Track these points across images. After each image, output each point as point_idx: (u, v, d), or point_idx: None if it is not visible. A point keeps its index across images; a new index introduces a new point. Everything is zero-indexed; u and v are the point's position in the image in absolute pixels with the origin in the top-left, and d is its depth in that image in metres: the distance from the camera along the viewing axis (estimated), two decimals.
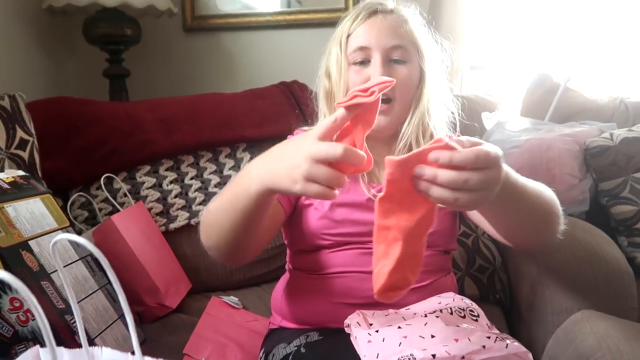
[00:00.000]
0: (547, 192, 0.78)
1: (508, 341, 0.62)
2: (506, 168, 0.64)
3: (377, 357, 0.65)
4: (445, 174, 0.55)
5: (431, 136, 0.94)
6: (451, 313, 0.72)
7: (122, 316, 0.94)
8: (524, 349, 0.62)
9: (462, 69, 1.76)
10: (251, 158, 1.40)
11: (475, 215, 0.91)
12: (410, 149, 0.91)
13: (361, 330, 0.71)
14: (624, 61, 1.76)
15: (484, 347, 0.59)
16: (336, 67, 0.94)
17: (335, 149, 0.58)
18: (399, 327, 0.69)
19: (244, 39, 1.96)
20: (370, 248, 0.89)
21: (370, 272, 0.86)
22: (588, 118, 1.47)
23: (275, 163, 0.65)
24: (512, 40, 1.84)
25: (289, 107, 1.45)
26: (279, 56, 1.92)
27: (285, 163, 0.62)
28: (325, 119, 0.64)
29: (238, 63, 1.98)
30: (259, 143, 1.43)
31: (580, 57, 1.77)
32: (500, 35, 1.84)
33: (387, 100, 0.90)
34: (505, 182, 0.63)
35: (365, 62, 0.92)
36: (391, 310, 0.79)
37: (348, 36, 0.94)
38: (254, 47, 1.96)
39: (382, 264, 0.61)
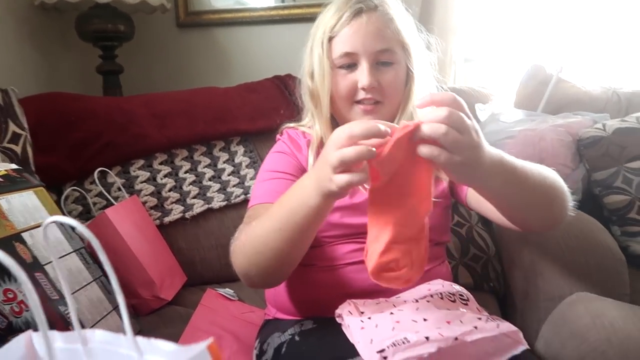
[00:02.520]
0: (549, 173, 0.78)
1: (498, 321, 0.63)
2: (499, 151, 0.66)
3: (370, 343, 0.65)
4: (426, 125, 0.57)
5: None
6: (441, 298, 0.72)
7: (116, 307, 0.94)
8: (514, 328, 0.63)
9: (455, 62, 1.76)
10: (245, 151, 1.40)
11: (479, 203, 0.88)
12: None
13: (353, 318, 0.71)
14: (616, 52, 1.77)
15: (475, 327, 0.59)
16: (319, 69, 0.91)
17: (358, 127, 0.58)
18: (391, 313, 0.69)
19: (238, 34, 1.96)
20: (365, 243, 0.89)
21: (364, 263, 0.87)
22: (581, 109, 1.47)
23: (318, 168, 0.64)
24: (505, 32, 1.84)
25: (282, 100, 1.45)
26: (273, 51, 1.92)
27: (321, 163, 0.62)
28: (365, 123, 0.60)
29: (231, 58, 1.98)
30: (252, 136, 1.44)
31: (573, 48, 1.78)
32: (493, 27, 1.85)
33: (375, 102, 0.90)
34: (500, 160, 0.65)
35: (352, 66, 0.90)
36: (382, 299, 0.79)
37: (331, 38, 0.90)
38: (247, 42, 1.96)
39: (373, 247, 0.62)
